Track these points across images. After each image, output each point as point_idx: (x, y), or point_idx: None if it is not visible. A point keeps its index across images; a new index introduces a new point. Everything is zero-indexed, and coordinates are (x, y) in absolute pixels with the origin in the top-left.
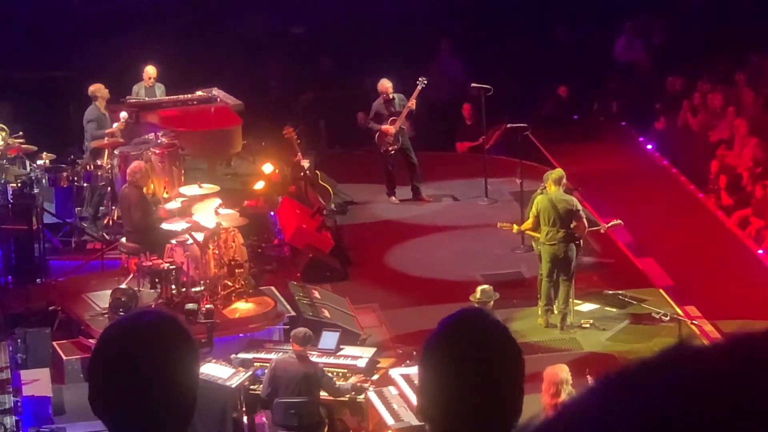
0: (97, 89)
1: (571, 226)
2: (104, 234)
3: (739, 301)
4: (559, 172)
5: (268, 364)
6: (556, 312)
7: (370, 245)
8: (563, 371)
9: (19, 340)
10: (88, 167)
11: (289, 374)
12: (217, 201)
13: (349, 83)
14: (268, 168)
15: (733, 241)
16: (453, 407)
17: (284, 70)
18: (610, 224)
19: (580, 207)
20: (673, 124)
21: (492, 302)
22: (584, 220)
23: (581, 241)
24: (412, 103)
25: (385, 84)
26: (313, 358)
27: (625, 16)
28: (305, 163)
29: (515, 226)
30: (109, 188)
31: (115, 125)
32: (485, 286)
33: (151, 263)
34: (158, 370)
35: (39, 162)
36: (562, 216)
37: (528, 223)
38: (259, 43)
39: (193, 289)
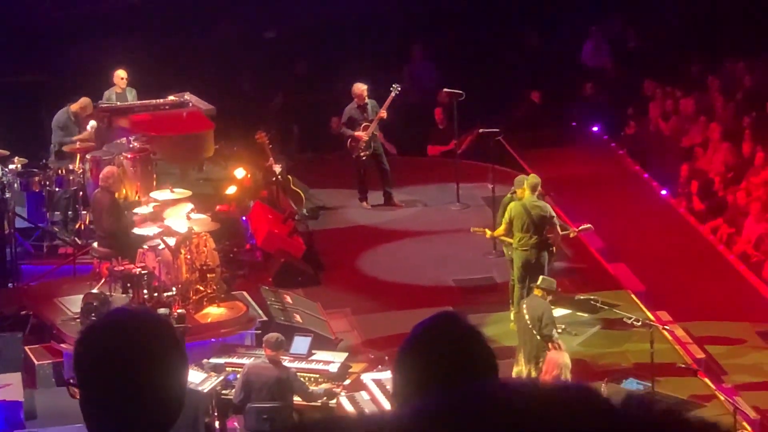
0: (83, 104)
1: (545, 233)
2: (76, 239)
3: (711, 305)
4: (534, 178)
5: (240, 369)
6: None
7: (342, 250)
8: (566, 357)
9: None
10: (59, 172)
11: (261, 379)
12: (189, 206)
13: (322, 87)
14: (240, 173)
15: (704, 246)
16: None
17: (256, 75)
18: (580, 228)
19: (553, 214)
20: (644, 128)
21: (550, 296)
22: (558, 227)
23: (554, 248)
24: (383, 112)
25: (360, 87)
26: (286, 363)
27: (596, 20)
28: (277, 168)
29: (488, 231)
30: (80, 193)
31: (91, 123)
32: (547, 277)
33: (122, 268)
34: (143, 367)
35: (11, 166)
36: (535, 222)
37: (501, 230)
38: (231, 48)
39: (164, 294)
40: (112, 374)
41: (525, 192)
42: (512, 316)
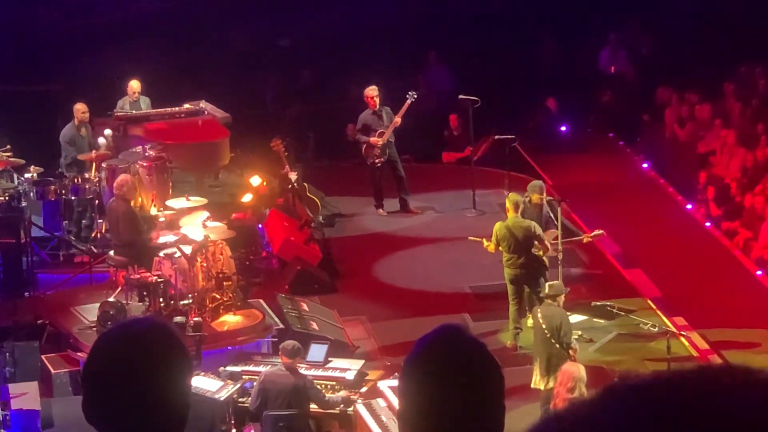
0: (75, 109)
1: (533, 250)
2: (92, 247)
3: (727, 311)
4: (514, 196)
5: (256, 377)
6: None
7: (358, 257)
8: (582, 370)
9: (7, 354)
10: (75, 180)
11: (278, 387)
12: (205, 214)
13: (336, 95)
14: (255, 180)
15: (720, 252)
16: (432, 421)
17: (272, 83)
18: (591, 234)
19: (539, 231)
20: (660, 135)
21: (563, 296)
22: (546, 241)
23: (546, 260)
24: (398, 120)
25: (371, 90)
26: (302, 371)
27: (612, 28)
28: (293, 176)
29: (485, 241)
30: (96, 201)
31: (101, 140)
32: (553, 282)
33: (139, 276)
34: (151, 377)
35: (27, 175)
36: (521, 242)
37: (492, 248)
38: (246, 56)
39: (181, 302)
40: (114, 383)
41: (509, 212)
42: (510, 333)
